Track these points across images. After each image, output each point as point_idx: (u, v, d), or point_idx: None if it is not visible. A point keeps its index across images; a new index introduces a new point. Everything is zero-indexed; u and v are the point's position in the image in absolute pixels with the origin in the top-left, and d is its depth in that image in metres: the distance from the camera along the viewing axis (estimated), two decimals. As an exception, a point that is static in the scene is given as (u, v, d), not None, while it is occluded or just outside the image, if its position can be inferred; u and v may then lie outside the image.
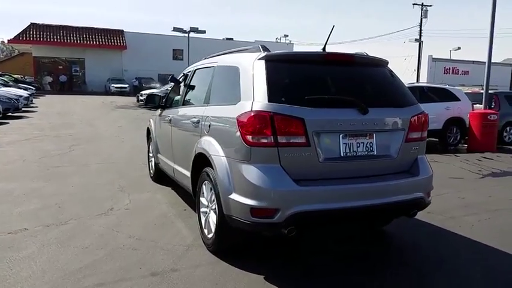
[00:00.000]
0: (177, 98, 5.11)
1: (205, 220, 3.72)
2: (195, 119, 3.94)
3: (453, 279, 3.23)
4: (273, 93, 3.00)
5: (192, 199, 5.11)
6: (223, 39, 48.28)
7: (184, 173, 4.33)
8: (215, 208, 3.47)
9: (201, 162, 3.74)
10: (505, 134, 11.69)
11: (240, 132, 3.04)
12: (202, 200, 3.81)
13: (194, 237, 3.95)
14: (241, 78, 3.32)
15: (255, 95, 3.04)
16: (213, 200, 3.53)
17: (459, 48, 36.36)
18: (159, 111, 5.91)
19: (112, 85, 37.17)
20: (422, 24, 33.99)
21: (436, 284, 3.16)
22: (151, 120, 6.31)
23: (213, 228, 3.53)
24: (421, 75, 34.49)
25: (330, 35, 3.55)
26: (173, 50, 43.00)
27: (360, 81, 3.40)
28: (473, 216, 4.79)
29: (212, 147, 3.44)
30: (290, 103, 3.00)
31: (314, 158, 3.02)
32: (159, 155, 5.76)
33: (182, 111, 4.58)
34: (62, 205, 4.96)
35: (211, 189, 3.57)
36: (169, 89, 6.02)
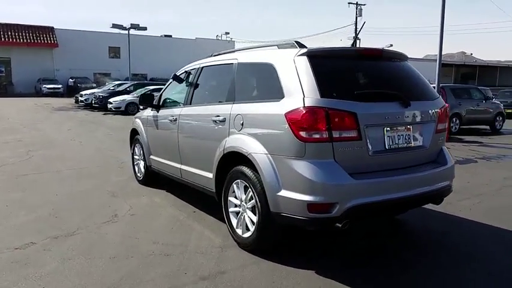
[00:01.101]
0: (180, 96, 4.92)
1: (238, 220, 3.65)
2: (219, 117, 3.84)
3: (481, 257, 3.48)
4: (324, 89, 3.02)
5: (197, 200, 5.04)
6: (162, 36, 47.12)
7: (201, 173, 4.20)
8: (253, 207, 3.43)
9: (231, 161, 3.66)
10: (452, 124, 12.66)
11: (291, 128, 3.02)
12: (232, 199, 3.73)
13: (222, 238, 3.86)
14: (280, 74, 3.29)
15: (304, 90, 3.04)
16: (250, 199, 3.48)
17: (391, 45, 38.55)
18: (149, 111, 5.67)
19: (44, 86, 34.72)
20: (358, 22, 35.62)
21: (468, 263, 3.38)
22: (137, 121, 6.03)
23: (251, 227, 3.48)
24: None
25: (359, 31, 3.65)
26: (109, 47, 41.13)
27: (394, 75, 3.53)
28: (467, 201, 5.16)
29: (250, 145, 3.38)
30: (341, 98, 3.04)
31: (365, 151, 3.09)
32: (152, 157, 5.52)
33: (193, 110, 4.43)
34: (58, 215, 4.59)
35: (246, 188, 3.51)
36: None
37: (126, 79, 32.11)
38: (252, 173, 3.40)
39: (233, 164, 3.68)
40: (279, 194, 3.11)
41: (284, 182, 3.09)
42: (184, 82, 4.93)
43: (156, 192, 5.60)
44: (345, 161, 3.01)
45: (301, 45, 3.44)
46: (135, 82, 25.48)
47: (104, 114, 20.45)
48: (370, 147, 3.11)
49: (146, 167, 5.76)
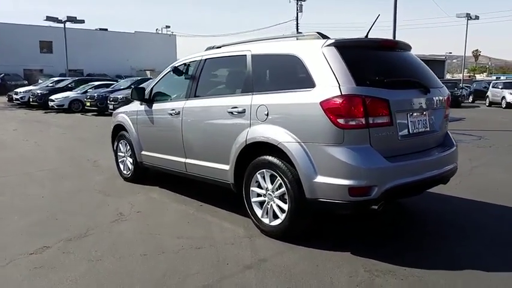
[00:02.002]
0: (179, 90, 4.83)
1: (264, 209, 3.70)
2: (237, 109, 3.84)
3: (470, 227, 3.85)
4: (358, 77, 3.16)
5: (197, 194, 5.03)
6: (97, 29, 44.97)
7: (214, 166, 4.18)
8: (283, 195, 3.50)
9: (254, 151, 3.70)
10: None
11: (328, 116, 3.13)
12: (255, 189, 3.77)
13: (244, 229, 3.89)
14: (308, 65, 3.37)
15: (339, 79, 3.15)
16: (278, 188, 3.55)
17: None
18: (137, 106, 5.49)
19: (-34, 84, 31.73)
20: (299, 18, 36.53)
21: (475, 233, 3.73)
22: (123, 116, 5.80)
23: (280, 215, 3.55)
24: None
25: (373, 24, 3.81)
26: (40, 42, 38.50)
27: (409, 63, 3.74)
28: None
29: (279, 134, 3.44)
30: (374, 86, 3.20)
31: (395, 136, 3.29)
32: (144, 153, 5.37)
33: (201, 102, 4.37)
34: (57, 217, 4.34)
35: (273, 177, 3.57)
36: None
37: (61, 75, 30.36)
38: (280, 162, 3.46)
39: (255, 154, 3.71)
40: (316, 180, 3.21)
41: (321, 169, 3.20)
42: (184, 75, 4.84)
43: (149, 188, 5.46)
44: (379, 146, 3.18)
45: (325, 36, 3.56)
46: (77, 78, 24.19)
47: (45, 112, 19.23)
48: (398, 132, 3.31)
49: (136, 163, 5.58)
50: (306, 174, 3.26)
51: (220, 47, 4.62)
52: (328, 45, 3.34)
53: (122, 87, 18.70)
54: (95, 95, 18.07)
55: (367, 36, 3.73)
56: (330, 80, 3.20)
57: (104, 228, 3.99)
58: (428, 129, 3.61)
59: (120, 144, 5.97)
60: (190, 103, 4.50)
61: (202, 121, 4.32)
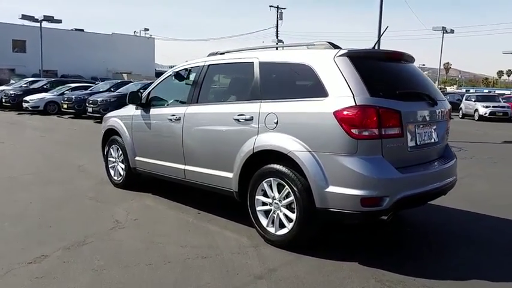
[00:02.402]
0: (179, 95, 4.76)
1: (270, 218, 3.68)
2: (244, 116, 3.81)
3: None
4: (371, 88, 3.19)
5: (192, 201, 4.96)
6: (72, 29, 43.99)
7: (216, 173, 4.13)
8: (290, 204, 3.49)
9: (260, 159, 3.67)
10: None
11: (342, 126, 3.14)
12: (261, 198, 3.75)
13: (247, 238, 3.85)
14: (320, 74, 3.38)
15: (353, 90, 3.17)
16: (285, 197, 3.53)
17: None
18: (132, 110, 5.37)
19: None
20: (279, 25, 36.87)
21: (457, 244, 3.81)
22: (116, 120, 5.66)
23: (287, 224, 3.53)
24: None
25: (382, 34, 3.88)
26: (13, 40, 37.31)
27: (415, 75, 3.81)
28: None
29: (289, 143, 3.43)
30: (386, 97, 3.24)
31: (405, 147, 3.34)
32: (138, 159, 5.25)
33: (204, 109, 4.32)
34: (50, 224, 4.19)
35: (280, 186, 3.55)
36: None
37: (34, 75, 29.49)
38: (289, 171, 3.45)
39: (262, 162, 3.69)
40: (327, 190, 3.21)
41: (332, 178, 3.21)
42: (185, 80, 4.77)
43: (142, 195, 5.33)
44: (390, 157, 3.22)
45: (336, 46, 3.59)
46: (53, 79, 23.55)
47: (19, 114, 18.63)
48: (408, 143, 3.36)
49: (129, 169, 5.45)
50: (317, 183, 3.25)
51: (223, 53, 4.59)
52: (340, 55, 3.37)
53: (101, 90, 18.32)
54: (73, 97, 17.60)
55: (374, 47, 3.78)
56: (343, 90, 3.22)
57: (102, 236, 3.87)
58: (432, 141, 3.68)
59: (111, 150, 5.83)
60: (192, 109, 4.43)
61: (206, 128, 4.26)
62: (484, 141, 12.72)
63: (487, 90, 45.47)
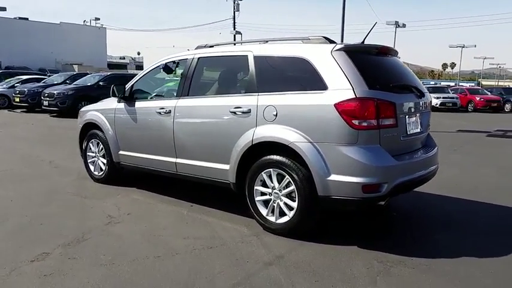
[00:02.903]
0: (167, 88, 4.75)
1: (270, 207, 3.79)
2: (241, 109, 3.88)
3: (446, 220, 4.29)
4: (369, 81, 3.38)
5: (181, 193, 5.00)
6: (16, 18, 41.42)
7: (211, 166, 4.18)
8: (290, 193, 3.63)
9: (259, 151, 3.77)
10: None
11: (343, 117, 3.31)
12: (260, 188, 3.85)
13: (246, 227, 3.95)
14: (318, 68, 3.52)
15: (352, 83, 3.34)
16: (286, 186, 3.67)
17: (266, 41, 40.55)
18: (114, 103, 5.27)
19: None
20: (236, 17, 36.71)
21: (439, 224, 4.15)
22: (96, 114, 5.52)
23: (288, 212, 3.67)
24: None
25: (370, 31, 4.06)
26: None
27: (402, 69, 4.03)
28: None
29: (289, 134, 3.55)
30: (382, 89, 3.44)
31: (398, 137, 3.56)
32: (122, 153, 5.17)
33: (196, 101, 4.33)
34: (41, 222, 4.08)
35: (280, 176, 3.68)
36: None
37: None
38: (290, 161, 3.58)
39: (260, 154, 3.79)
40: (329, 178, 3.38)
41: (334, 167, 3.37)
42: (172, 73, 4.76)
43: (127, 190, 5.26)
44: (386, 146, 3.43)
45: (331, 41, 3.74)
46: (1, 71, 22.14)
47: (-37, 108, 17.42)
48: (401, 132, 3.59)
49: (111, 163, 5.36)
50: (319, 172, 3.41)
51: (212, 46, 4.62)
52: (337, 50, 3.53)
53: (55, 82, 17.52)
54: (25, 90, 16.69)
55: (363, 42, 3.97)
56: (342, 83, 3.39)
57: (100, 232, 3.82)
58: (419, 130, 3.95)
59: (90, 144, 5.69)
60: (183, 102, 4.44)
61: (199, 121, 4.29)
62: (440, 130, 13.51)
63: (433, 82, 47.98)
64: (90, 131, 5.67)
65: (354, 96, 3.31)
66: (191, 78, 4.46)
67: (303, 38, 3.89)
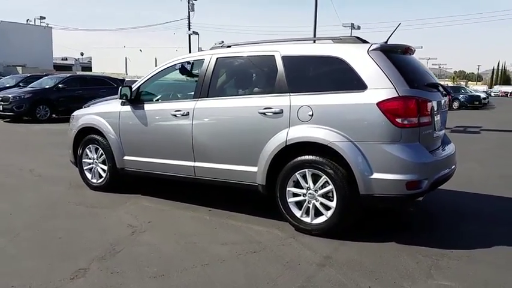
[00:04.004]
0: (181, 89, 4.59)
1: (305, 208, 3.77)
2: (272, 109, 3.82)
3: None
4: (408, 80, 3.46)
5: (193, 198, 4.88)
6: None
7: (238, 168, 4.08)
8: (327, 193, 3.63)
9: (292, 152, 3.74)
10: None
11: (387, 116, 3.36)
12: (292, 189, 3.82)
13: (279, 230, 3.90)
14: (355, 67, 3.55)
15: (393, 82, 3.40)
16: (322, 186, 3.66)
17: (222, 42, 40.33)
18: (117, 106, 5.01)
19: None
20: (191, 17, 36.17)
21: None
22: (97, 118, 5.19)
23: (325, 212, 3.66)
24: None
25: (394, 31, 4.14)
26: None
27: (423, 68, 4.15)
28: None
29: (329, 134, 3.54)
30: (419, 88, 3.53)
31: (432, 134, 3.68)
32: (128, 158, 4.92)
33: (219, 103, 4.20)
34: (59, 234, 3.79)
35: (315, 176, 3.67)
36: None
37: None
38: (328, 161, 3.58)
39: (293, 155, 3.76)
40: (372, 177, 3.41)
41: (376, 166, 3.42)
42: (186, 74, 4.60)
43: (133, 197, 5.02)
44: (423, 143, 3.53)
45: (364, 40, 3.78)
46: None
47: None
48: (433, 130, 3.70)
49: (114, 170, 5.08)
50: (362, 171, 3.44)
51: (230, 46, 4.52)
52: (374, 49, 3.58)
53: (7, 85, 16.40)
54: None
55: (386, 42, 4.04)
56: (383, 82, 3.44)
57: (129, 243, 3.61)
58: (442, 127, 4.09)
59: (87, 150, 5.36)
60: (203, 103, 4.30)
61: (223, 123, 4.18)
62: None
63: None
64: (86, 136, 5.34)
65: (397, 95, 3.37)
66: (210, 79, 4.33)
67: (334, 38, 3.91)
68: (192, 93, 4.56)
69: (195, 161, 4.39)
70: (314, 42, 4.24)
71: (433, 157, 3.54)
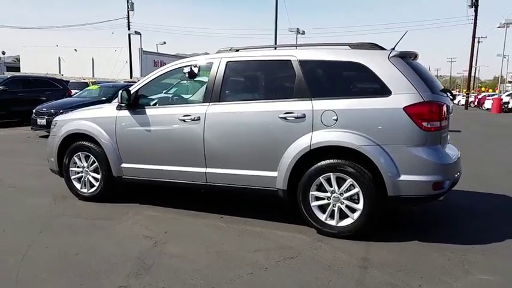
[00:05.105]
0: (187, 93, 4.42)
1: (329, 211, 3.81)
2: (294, 114, 3.81)
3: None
4: (429, 86, 3.63)
5: (195, 205, 4.69)
6: None
7: (256, 173, 4.02)
8: (352, 196, 3.71)
9: (316, 157, 3.77)
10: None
11: (414, 120, 3.50)
12: (316, 193, 3.85)
13: (302, 233, 3.91)
14: (378, 73, 3.65)
15: (417, 87, 3.55)
16: (347, 189, 3.73)
17: (164, 42, 39.62)
18: (111, 111, 4.74)
19: None
20: (130, 16, 34.91)
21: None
22: (89, 124, 4.83)
23: (351, 215, 3.73)
24: (134, 67, 35.76)
25: (401, 38, 4.30)
26: None
27: (430, 73, 4.35)
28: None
29: (356, 138, 3.61)
30: (437, 93, 3.71)
31: (446, 137, 3.88)
32: (127, 165, 4.67)
33: (236, 108, 4.09)
34: (74, 251, 3.50)
35: (340, 180, 3.73)
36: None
37: None
38: (353, 164, 3.66)
39: (315, 159, 3.79)
40: (400, 179, 3.54)
41: (404, 168, 3.54)
42: (192, 78, 4.44)
43: (131, 207, 4.76)
44: (442, 145, 3.72)
45: (381, 47, 3.90)
46: None
47: None
48: (447, 133, 3.92)
49: (109, 178, 4.79)
50: (390, 173, 3.55)
51: (238, 50, 4.44)
52: (394, 56, 3.71)
53: None
54: None
55: (394, 48, 4.20)
56: (406, 87, 3.58)
57: (156, 255, 3.42)
58: (448, 130, 4.33)
59: (75, 158, 5.00)
60: (215, 108, 4.18)
61: (239, 127, 4.08)
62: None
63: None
64: (74, 143, 4.98)
65: (422, 100, 3.53)
66: (221, 83, 4.23)
67: (351, 44, 3.98)
68: (199, 97, 4.41)
69: (206, 167, 4.27)
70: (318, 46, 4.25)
71: (452, 158, 3.75)
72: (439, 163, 3.57)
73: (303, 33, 27.09)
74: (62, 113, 10.53)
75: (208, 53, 4.89)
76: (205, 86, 4.39)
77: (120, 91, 4.54)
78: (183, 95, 4.96)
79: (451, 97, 4.22)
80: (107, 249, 3.53)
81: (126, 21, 35.19)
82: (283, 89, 4.12)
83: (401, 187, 3.56)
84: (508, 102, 27.76)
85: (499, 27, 29.92)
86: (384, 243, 3.70)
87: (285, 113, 3.88)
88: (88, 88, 13.45)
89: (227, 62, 4.28)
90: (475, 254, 3.49)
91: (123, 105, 4.61)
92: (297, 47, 4.23)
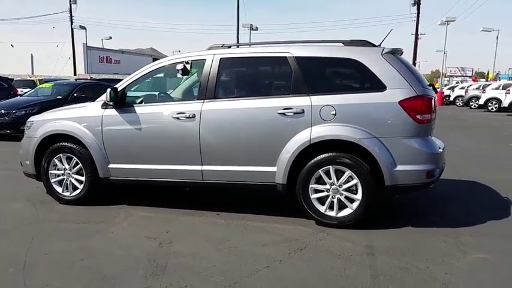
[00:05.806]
0: (180, 91, 4.37)
1: (329, 202, 3.95)
2: (292, 110, 3.90)
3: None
4: (419, 80, 3.85)
5: (191, 203, 4.72)
6: None
7: (254, 169, 4.07)
8: (350, 187, 3.87)
9: (315, 151, 3.89)
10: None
11: (409, 113, 3.71)
12: (315, 186, 3.97)
13: (304, 226, 4.00)
14: (372, 69, 3.82)
15: (410, 82, 3.76)
16: (346, 181, 3.89)
17: (110, 37, 38.07)
18: (95, 110, 4.57)
19: None
20: (73, 10, 33.22)
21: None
22: (72, 124, 4.60)
23: (350, 205, 3.89)
24: (78, 63, 34.19)
25: (387, 35, 4.49)
26: None
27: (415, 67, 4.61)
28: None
29: (355, 131, 3.75)
30: (426, 87, 3.95)
31: (433, 129, 4.13)
32: (115, 166, 4.52)
33: (232, 104, 4.09)
34: (78, 256, 3.36)
35: (338, 172, 3.88)
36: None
37: None
38: (352, 157, 3.82)
39: (314, 153, 3.91)
40: (397, 169, 3.74)
41: (399, 159, 3.75)
42: (184, 75, 4.39)
43: (120, 208, 4.61)
44: (431, 136, 3.97)
45: (373, 44, 4.07)
46: None
47: None
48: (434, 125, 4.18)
49: (95, 180, 4.62)
50: (387, 164, 3.74)
51: (230, 47, 4.44)
52: (387, 53, 3.90)
53: None
54: None
55: (380, 45, 4.40)
56: (400, 82, 3.78)
57: (166, 255, 3.38)
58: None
59: (55, 160, 4.76)
60: (211, 105, 4.17)
61: (237, 124, 4.09)
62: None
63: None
64: (53, 144, 4.74)
65: (415, 94, 3.74)
66: (216, 80, 4.21)
67: (344, 41, 4.12)
68: (189, 95, 4.37)
69: (202, 165, 4.24)
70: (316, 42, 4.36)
71: (440, 148, 4.02)
72: (431, 153, 3.81)
73: (256, 29, 27.28)
74: (14, 113, 9.98)
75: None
76: (193, 83, 4.36)
77: (108, 89, 4.38)
78: (182, 92, 4.85)
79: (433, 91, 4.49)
80: (112, 253, 3.43)
81: (69, 15, 33.47)
82: (280, 85, 4.20)
83: (398, 177, 3.76)
84: (449, 95, 29.62)
85: (440, 24, 31.71)
86: (381, 230, 3.89)
87: (284, 109, 3.95)
88: (40, 86, 12.69)
89: (221, 59, 4.26)
90: (465, 236, 3.77)
91: (110, 103, 4.45)
92: (291, 44, 4.27)
